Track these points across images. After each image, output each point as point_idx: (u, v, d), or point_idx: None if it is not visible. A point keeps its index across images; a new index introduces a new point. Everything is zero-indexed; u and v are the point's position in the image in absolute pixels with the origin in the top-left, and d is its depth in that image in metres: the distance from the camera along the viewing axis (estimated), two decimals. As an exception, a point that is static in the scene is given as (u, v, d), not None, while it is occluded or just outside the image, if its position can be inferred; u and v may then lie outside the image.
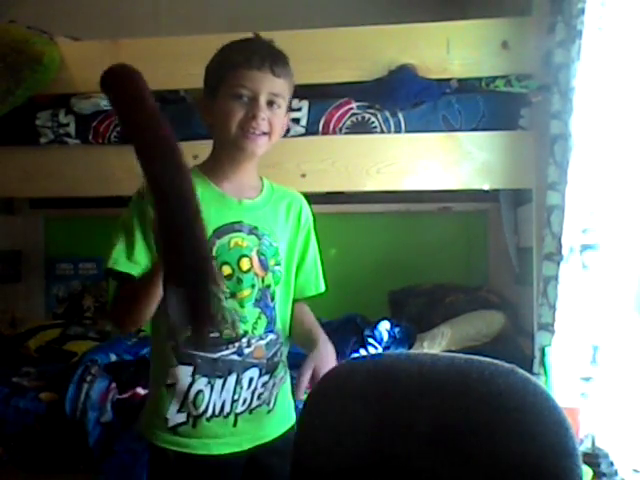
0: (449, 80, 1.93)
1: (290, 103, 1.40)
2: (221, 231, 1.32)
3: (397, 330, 2.14)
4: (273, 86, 1.31)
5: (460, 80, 1.94)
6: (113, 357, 2.09)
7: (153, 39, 2.07)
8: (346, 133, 1.94)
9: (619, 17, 1.52)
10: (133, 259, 1.28)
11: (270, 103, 1.32)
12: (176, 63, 2.00)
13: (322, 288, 1.48)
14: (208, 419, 1.31)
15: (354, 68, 1.95)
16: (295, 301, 1.44)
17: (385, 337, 2.11)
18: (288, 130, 1.70)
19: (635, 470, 1.37)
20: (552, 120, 1.73)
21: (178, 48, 2.02)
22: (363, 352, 2.03)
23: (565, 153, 1.63)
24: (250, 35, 1.38)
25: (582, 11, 1.57)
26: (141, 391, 1.90)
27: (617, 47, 1.52)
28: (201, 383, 1.30)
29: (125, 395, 1.91)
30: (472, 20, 1.97)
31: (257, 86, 1.30)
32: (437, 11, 2.16)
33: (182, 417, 1.32)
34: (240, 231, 1.33)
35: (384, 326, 2.13)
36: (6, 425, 1.89)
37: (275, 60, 1.32)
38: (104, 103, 2.00)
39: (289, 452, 1.10)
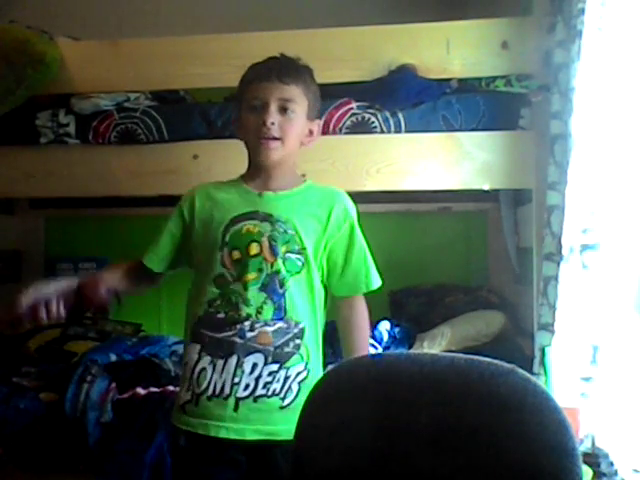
0: (449, 80, 1.93)
1: (313, 110, 1.50)
2: (237, 219, 1.44)
3: (397, 330, 2.14)
4: (282, 93, 1.42)
5: (460, 80, 1.94)
6: (113, 357, 2.09)
7: (153, 39, 2.07)
8: (346, 133, 1.94)
9: (619, 17, 1.52)
10: (156, 252, 1.50)
11: (283, 109, 1.43)
12: (176, 63, 2.00)
13: (374, 285, 1.51)
14: (209, 398, 1.38)
15: (354, 68, 1.96)
16: (346, 298, 1.50)
17: (385, 337, 2.11)
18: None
19: (635, 470, 1.37)
20: (552, 120, 1.73)
21: (178, 48, 2.02)
22: (363, 352, 2.02)
23: (565, 153, 1.63)
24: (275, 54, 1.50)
25: (582, 11, 1.57)
26: (141, 391, 1.90)
27: (617, 47, 1.52)
28: (205, 361, 1.39)
29: (125, 395, 1.90)
30: (472, 20, 1.97)
31: (265, 95, 1.42)
32: (437, 11, 2.16)
33: (189, 395, 1.41)
34: (254, 219, 1.43)
35: (384, 326, 2.14)
36: (6, 425, 1.89)
37: (282, 70, 1.44)
38: (104, 103, 2.00)
39: None
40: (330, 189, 1.53)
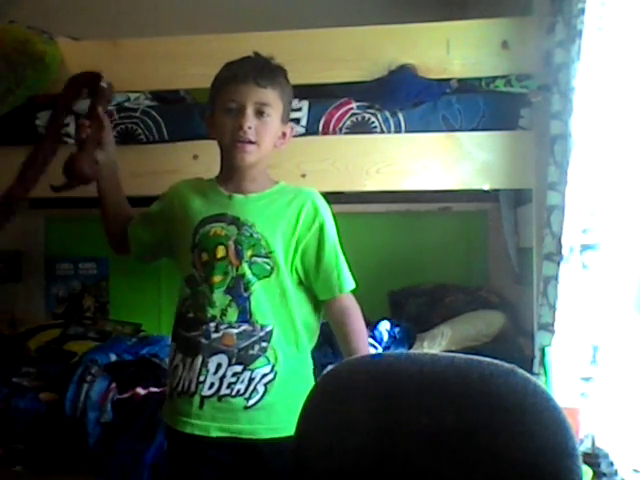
0: (449, 80, 1.93)
1: (286, 113, 1.49)
2: (205, 221, 1.45)
3: (397, 330, 2.14)
4: (258, 96, 1.42)
5: (460, 80, 1.93)
6: (113, 357, 2.09)
7: (153, 39, 2.07)
8: (346, 133, 1.94)
9: (619, 17, 1.51)
10: (144, 224, 1.58)
11: (259, 113, 1.43)
12: (176, 63, 2.00)
13: (347, 288, 1.48)
14: (178, 394, 1.43)
15: (354, 68, 1.95)
16: (330, 300, 1.48)
17: (385, 337, 2.11)
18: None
19: (635, 470, 1.37)
20: (552, 120, 1.73)
21: (178, 48, 2.02)
22: (363, 352, 2.02)
23: (565, 153, 1.63)
24: (250, 54, 1.50)
25: (582, 11, 1.56)
26: (141, 391, 1.90)
27: (617, 47, 1.52)
28: (178, 359, 1.44)
29: (125, 395, 1.90)
30: (472, 20, 1.97)
31: (242, 98, 1.42)
32: (437, 11, 2.15)
33: (169, 389, 1.47)
34: (222, 221, 1.44)
35: (384, 326, 2.14)
36: (6, 425, 1.89)
37: (260, 73, 1.43)
38: (104, 103, 2.00)
39: (276, 462, 1.13)
40: (302, 189, 1.51)
